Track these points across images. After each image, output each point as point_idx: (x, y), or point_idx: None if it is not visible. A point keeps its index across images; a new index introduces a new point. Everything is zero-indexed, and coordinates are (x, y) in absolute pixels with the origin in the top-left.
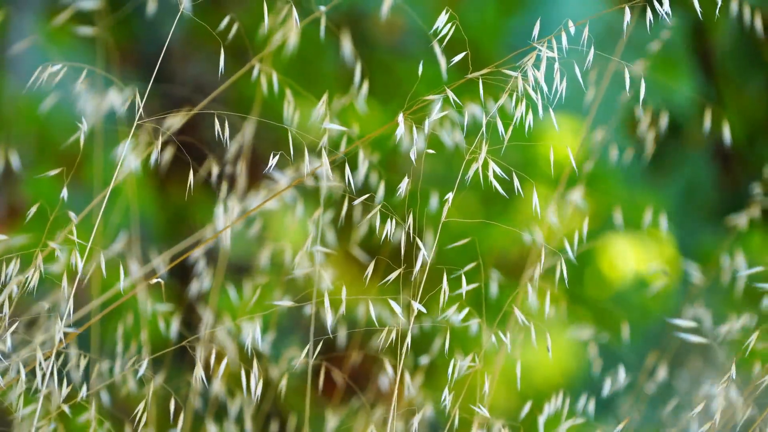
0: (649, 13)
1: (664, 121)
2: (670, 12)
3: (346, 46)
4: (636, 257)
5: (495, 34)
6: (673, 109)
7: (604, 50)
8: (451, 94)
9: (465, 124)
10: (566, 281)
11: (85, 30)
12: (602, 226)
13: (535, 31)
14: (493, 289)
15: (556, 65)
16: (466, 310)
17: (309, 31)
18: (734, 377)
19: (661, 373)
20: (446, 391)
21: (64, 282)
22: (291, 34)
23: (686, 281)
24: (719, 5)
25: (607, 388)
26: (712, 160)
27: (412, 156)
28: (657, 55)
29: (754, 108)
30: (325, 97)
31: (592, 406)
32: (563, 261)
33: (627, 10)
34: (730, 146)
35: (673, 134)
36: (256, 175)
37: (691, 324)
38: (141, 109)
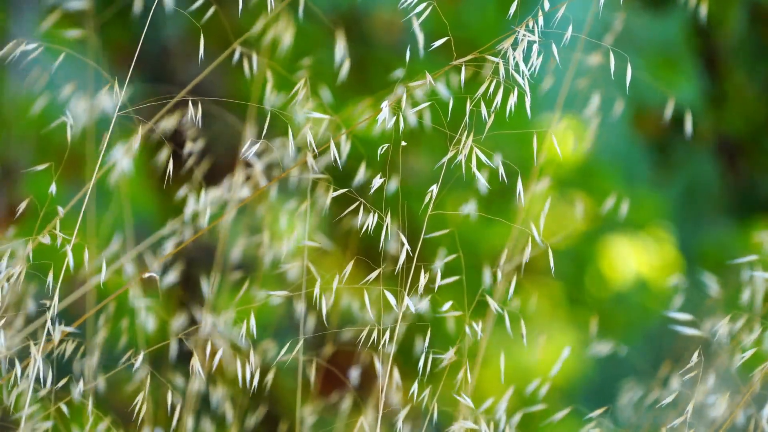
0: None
1: (665, 116)
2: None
3: (341, 43)
4: (637, 257)
5: (495, 33)
6: (676, 107)
7: (601, 47)
8: (430, 79)
9: (449, 110)
10: (552, 271)
11: (74, 32)
12: (602, 225)
13: (511, 10)
14: (486, 284)
15: (535, 46)
16: (448, 303)
17: (308, 30)
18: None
19: (675, 383)
20: (416, 385)
21: (50, 277)
22: (284, 31)
23: (702, 291)
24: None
25: (613, 396)
26: (717, 157)
27: (380, 151)
28: (658, 54)
29: (759, 103)
30: (302, 83)
31: (593, 409)
32: (549, 252)
33: None
34: (735, 143)
35: (677, 132)
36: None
37: (688, 317)
38: (132, 108)
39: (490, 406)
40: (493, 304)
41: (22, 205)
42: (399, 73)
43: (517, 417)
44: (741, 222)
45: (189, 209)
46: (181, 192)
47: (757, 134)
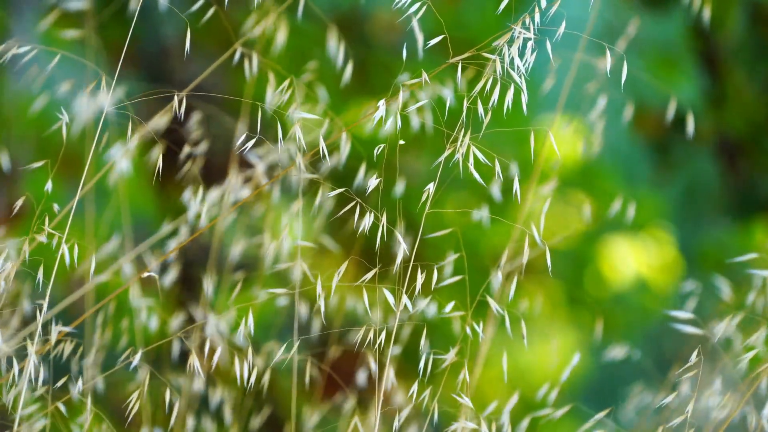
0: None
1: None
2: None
3: (333, 41)
4: (636, 257)
5: (495, 33)
6: (676, 107)
7: (602, 48)
8: (425, 77)
9: (446, 108)
10: (549, 270)
11: (71, 32)
12: (602, 226)
13: (502, 5)
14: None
15: (530, 43)
16: (452, 304)
17: (306, 29)
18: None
19: (684, 388)
20: (416, 385)
21: (41, 275)
22: (279, 27)
23: (715, 296)
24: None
25: (613, 394)
26: (718, 157)
27: (376, 152)
28: (658, 54)
29: (759, 103)
30: (287, 82)
31: (592, 408)
32: (547, 252)
33: None
34: (735, 142)
35: (677, 132)
36: (240, 165)
37: (689, 315)
38: (127, 102)
39: (495, 409)
40: (494, 305)
41: (18, 203)
42: (404, 77)
43: (525, 422)
44: (741, 222)
45: (188, 209)
46: (186, 194)
47: (757, 134)
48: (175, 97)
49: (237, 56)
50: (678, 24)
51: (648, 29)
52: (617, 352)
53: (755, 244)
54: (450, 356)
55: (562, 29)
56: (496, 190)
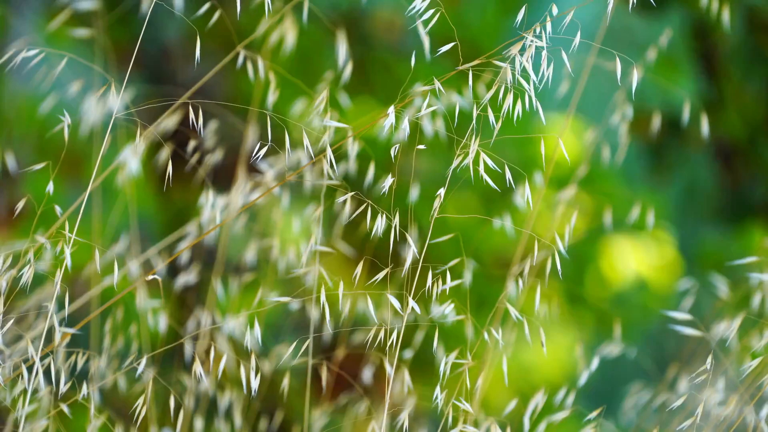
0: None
1: (657, 119)
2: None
3: (342, 44)
4: (636, 257)
5: (495, 33)
6: (674, 109)
7: (603, 50)
8: (438, 85)
9: (456, 113)
10: (560, 275)
11: (82, 32)
12: (602, 226)
13: (518, 18)
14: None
15: (544, 53)
16: (452, 307)
17: (307, 30)
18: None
19: (682, 386)
20: (438, 389)
21: (58, 277)
22: (288, 31)
23: (712, 294)
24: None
25: (612, 395)
26: (714, 160)
27: (393, 152)
28: (657, 55)
29: (756, 106)
30: (273, 88)
31: (592, 409)
32: (556, 255)
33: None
34: (732, 145)
35: (674, 133)
36: (247, 169)
37: (688, 317)
38: (137, 110)
39: (499, 410)
40: (514, 313)
41: (20, 205)
42: (416, 86)
43: (526, 422)
44: (737, 224)
45: (202, 213)
46: (200, 199)
47: (753, 137)
48: (191, 106)
49: (240, 59)
50: (677, 25)
51: (647, 30)
52: (618, 350)
53: (753, 246)
54: (464, 361)
55: (577, 40)
56: (519, 199)
